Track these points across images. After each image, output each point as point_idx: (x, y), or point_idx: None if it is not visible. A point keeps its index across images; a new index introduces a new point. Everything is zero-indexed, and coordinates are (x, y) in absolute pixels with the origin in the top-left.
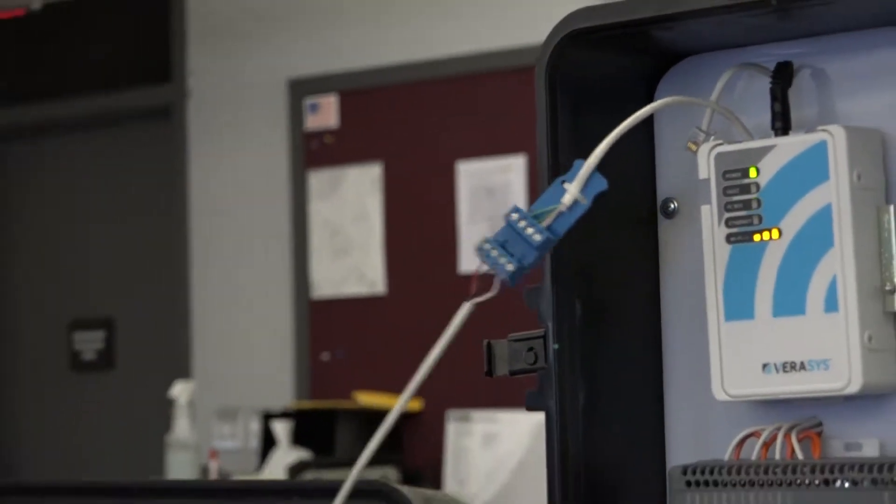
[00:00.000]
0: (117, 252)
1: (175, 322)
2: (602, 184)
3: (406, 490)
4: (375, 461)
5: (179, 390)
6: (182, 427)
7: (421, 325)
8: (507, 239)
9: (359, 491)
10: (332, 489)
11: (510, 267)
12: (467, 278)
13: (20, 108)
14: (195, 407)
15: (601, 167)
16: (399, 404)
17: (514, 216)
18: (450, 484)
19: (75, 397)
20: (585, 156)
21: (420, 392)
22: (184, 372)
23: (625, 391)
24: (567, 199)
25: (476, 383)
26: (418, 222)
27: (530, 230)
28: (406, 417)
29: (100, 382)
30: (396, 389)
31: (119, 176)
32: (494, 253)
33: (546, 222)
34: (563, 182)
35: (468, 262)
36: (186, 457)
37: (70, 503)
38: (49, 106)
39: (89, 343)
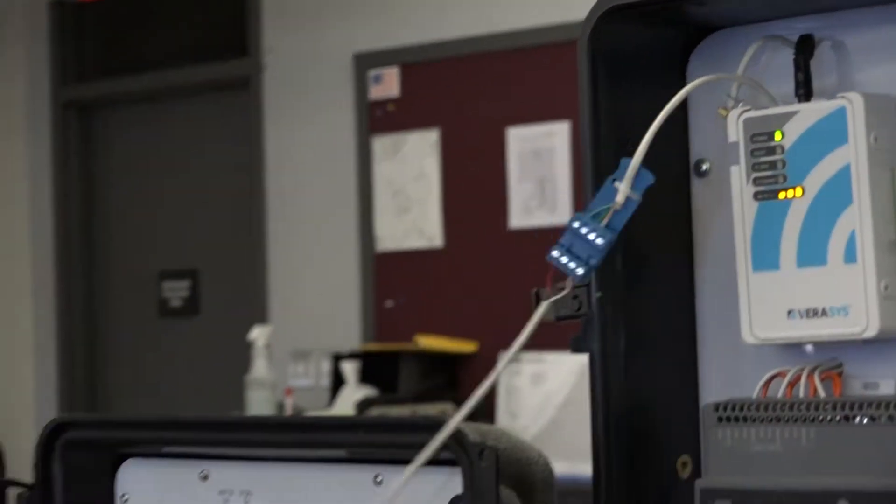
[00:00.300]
0: (202, 209)
1: (254, 272)
2: (649, 178)
3: (463, 424)
4: (435, 398)
5: (258, 334)
6: (260, 367)
7: (474, 275)
8: (573, 243)
9: (421, 425)
10: (396, 424)
11: (580, 270)
12: (515, 233)
13: (112, 81)
14: (272, 349)
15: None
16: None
17: (577, 224)
18: (502, 418)
19: (164, 341)
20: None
21: (475, 336)
22: (261, 317)
23: (661, 336)
24: (620, 197)
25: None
26: (472, 182)
27: (592, 235)
28: (462, 359)
29: (185, 327)
30: (453, 333)
31: (203, 141)
32: (564, 259)
33: (604, 221)
34: (614, 181)
35: (517, 219)
36: (264, 394)
37: (160, 435)
38: (138, 79)
39: (176, 291)
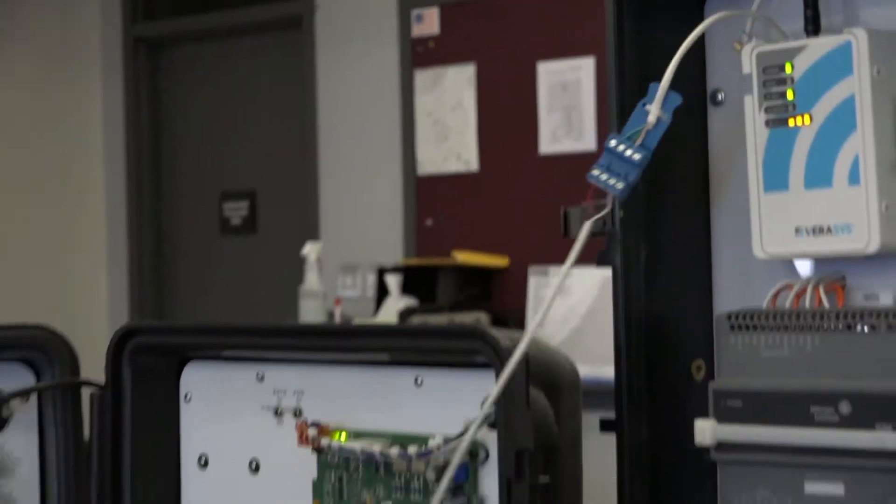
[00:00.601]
0: (260, 136)
1: (306, 194)
2: (677, 99)
3: (495, 331)
4: (470, 308)
5: (310, 249)
6: (312, 280)
7: (506, 197)
8: (611, 162)
9: (458, 332)
10: (433, 330)
11: (620, 185)
12: (544, 158)
13: (179, 20)
14: (322, 263)
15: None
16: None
17: (613, 142)
18: (529, 314)
19: (224, 256)
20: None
21: (506, 251)
22: (313, 234)
23: (679, 251)
24: (651, 118)
25: (553, 244)
26: (504, 112)
27: (629, 152)
28: (495, 272)
29: (244, 244)
30: (486, 249)
31: (261, 75)
32: (604, 177)
33: (639, 141)
34: (645, 105)
35: (545, 145)
36: (315, 304)
37: (220, 340)
38: (203, 18)
39: (236, 211)
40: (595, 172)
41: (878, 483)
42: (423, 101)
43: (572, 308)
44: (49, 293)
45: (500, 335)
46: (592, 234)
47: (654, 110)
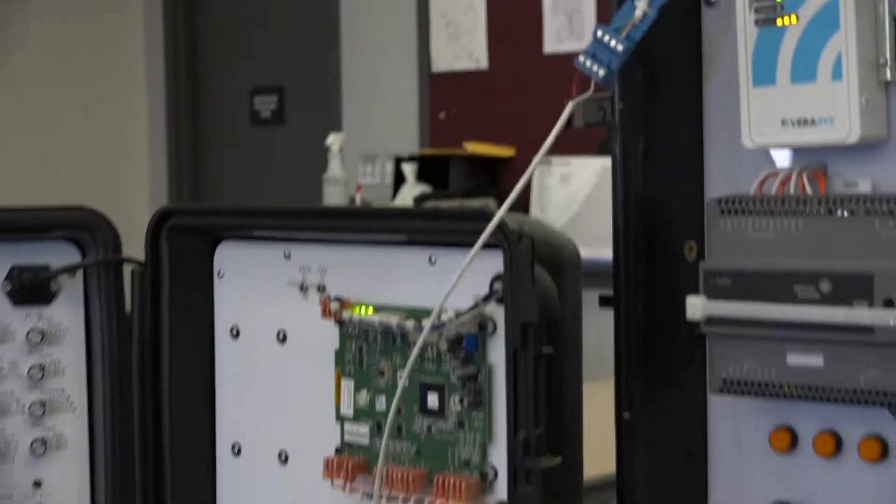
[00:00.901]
0: (287, 36)
1: (330, 88)
2: None
3: (505, 214)
4: (479, 194)
5: (333, 140)
6: (335, 168)
7: (513, 92)
8: (596, 51)
9: (468, 214)
10: (446, 213)
11: (602, 72)
12: (548, 57)
13: None
14: (345, 153)
15: None
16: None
17: (600, 32)
18: (534, 212)
19: (255, 146)
20: None
21: (513, 142)
22: (336, 126)
23: (674, 141)
24: (638, 13)
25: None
26: (512, 14)
27: (613, 42)
28: (502, 162)
29: (273, 135)
30: (495, 140)
31: None
32: (588, 63)
33: (624, 33)
34: (634, 1)
35: (550, 45)
36: (338, 189)
37: (251, 221)
38: None
39: (266, 104)
40: (581, 59)
41: (854, 355)
42: (437, 2)
43: (573, 195)
44: (95, 178)
45: (509, 218)
46: (593, 125)
47: (640, 5)
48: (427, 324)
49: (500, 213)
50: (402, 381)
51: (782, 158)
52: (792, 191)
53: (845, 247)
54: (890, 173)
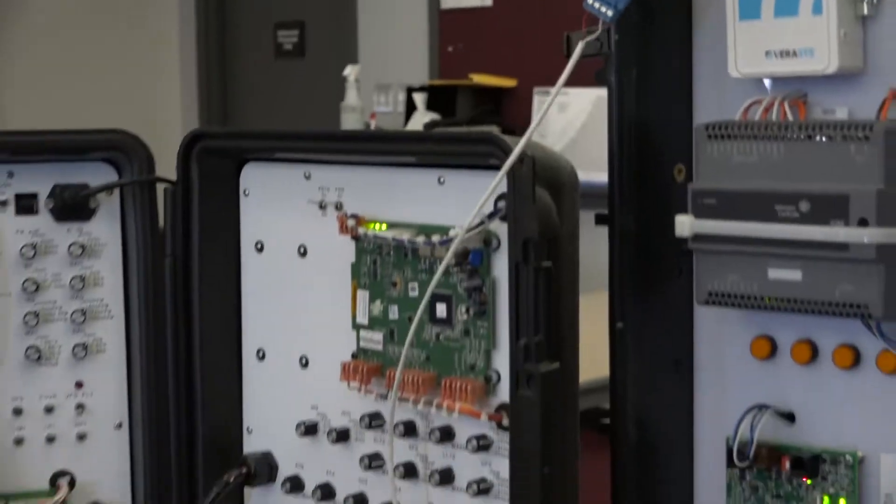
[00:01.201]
0: None
1: (348, 23)
2: None
3: (506, 137)
4: (482, 122)
5: (350, 71)
6: (351, 97)
7: (516, 28)
8: None
9: (475, 138)
10: (454, 137)
11: (609, 12)
12: None
13: None
14: (360, 83)
15: None
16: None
17: None
18: (534, 138)
19: (278, 77)
20: None
21: (515, 74)
22: (353, 58)
23: (665, 70)
24: None
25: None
26: None
27: None
28: (505, 92)
29: (294, 66)
30: (498, 72)
31: None
32: (596, 5)
33: None
34: None
35: None
36: (354, 117)
37: (274, 144)
38: None
39: (288, 38)
40: (589, 1)
41: (830, 270)
42: None
43: (570, 122)
44: (130, 105)
45: (512, 142)
46: (591, 55)
47: None
48: (436, 239)
49: (523, 140)
50: (427, 293)
51: (766, 87)
52: (774, 117)
53: (823, 170)
54: (865, 102)
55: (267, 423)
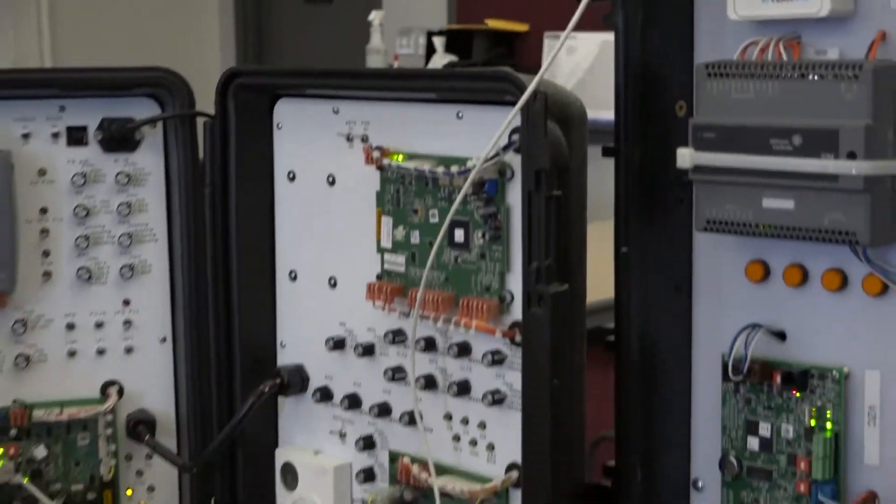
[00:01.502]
0: None
1: None
2: None
3: (520, 75)
4: (496, 63)
5: (374, 16)
6: (376, 40)
7: None
8: None
9: (491, 75)
10: (472, 74)
11: None
12: None
13: None
14: (384, 27)
15: None
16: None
17: None
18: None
19: (308, 22)
20: None
21: (526, 19)
22: (377, 4)
23: (668, 12)
24: None
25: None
26: None
27: None
28: (518, 35)
29: (324, 11)
30: (511, 17)
31: None
32: None
33: None
34: None
35: None
36: (378, 58)
37: (305, 81)
38: None
39: None
40: None
41: (819, 199)
42: None
43: (577, 64)
44: (172, 43)
45: (525, 79)
46: (599, 0)
47: None
48: (455, 169)
49: (537, 77)
50: (447, 219)
51: (762, 29)
52: (770, 57)
53: (815, 106)
54: (855, 43)
55: (299, 339)
